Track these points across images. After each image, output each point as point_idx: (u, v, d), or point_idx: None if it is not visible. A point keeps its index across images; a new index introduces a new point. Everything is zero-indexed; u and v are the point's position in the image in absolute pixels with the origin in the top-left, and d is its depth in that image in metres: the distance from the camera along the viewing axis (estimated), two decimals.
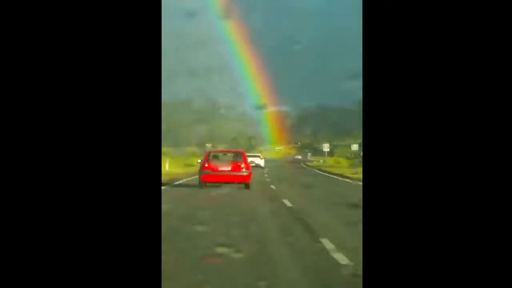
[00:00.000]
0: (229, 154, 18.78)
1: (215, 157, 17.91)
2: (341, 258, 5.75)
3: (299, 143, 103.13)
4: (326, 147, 58.25)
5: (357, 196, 13.26)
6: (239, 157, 17.37)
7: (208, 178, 16.54)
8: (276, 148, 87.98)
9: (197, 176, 17.76)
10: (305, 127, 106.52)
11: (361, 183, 19.22)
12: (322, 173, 37.36)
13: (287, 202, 12.41)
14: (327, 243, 6.64)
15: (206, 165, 16.70)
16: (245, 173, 16.54)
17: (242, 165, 16.71)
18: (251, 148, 55.01)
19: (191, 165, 37.62)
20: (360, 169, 33.44)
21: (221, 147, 58.01)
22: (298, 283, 4.95)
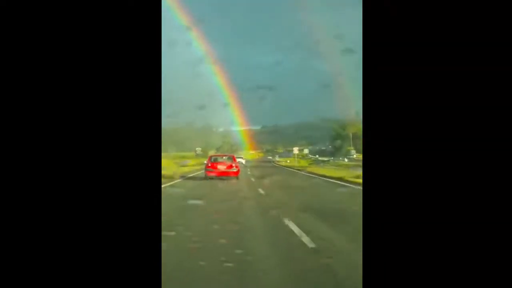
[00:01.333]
0: (224, 157, 21.30)
1: (215, 159, 20.44)
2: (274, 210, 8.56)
3: (264, 149, 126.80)
4: (295, 150, 57.29)
5: (307, 182, 19.69)
6: (231, 159, 20.47)
7: (210, 173, 18.86)
8: (249, 152, 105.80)
9: (202, 171, 22.06)
10: (266, 139, 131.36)
11: (313, 175, 24.76)
12: (289, 168, 39.42)
13: (261, 191, 14.08)
14: (277, 211, 8.55)
15: (209, 165, 19.38)
16: (235, 170, 19.07)
17: (233, 165, 19.37)
18: (233, 152, 61.84)
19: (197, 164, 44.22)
20: (312, 166, 40.63)
21: (212, 151, 66.05)
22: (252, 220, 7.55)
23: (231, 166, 19.13)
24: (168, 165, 27.30)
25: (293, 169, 37.44)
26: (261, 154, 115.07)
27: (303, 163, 52.17)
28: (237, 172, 19.08)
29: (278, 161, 71.76)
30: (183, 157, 54.13)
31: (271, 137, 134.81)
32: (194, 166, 36.98)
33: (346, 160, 54.85)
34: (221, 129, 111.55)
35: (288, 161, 62.39)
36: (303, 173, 28.50)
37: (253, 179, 20.15)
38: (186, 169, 30.14)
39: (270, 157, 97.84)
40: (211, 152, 58.08)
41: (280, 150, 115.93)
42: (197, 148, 55.35)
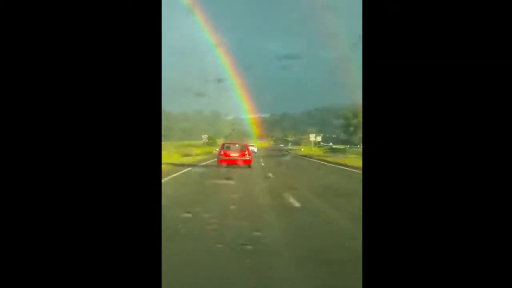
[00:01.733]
0: (237, 145, 21.14)
1: (228, 147, 20.32)
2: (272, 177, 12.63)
3: (274, 137, 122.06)
4: (312, 137, 52.63)
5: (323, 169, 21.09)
6: (243, 147, 20.41)
7: (223, 162, 19.21)
8: (259, 140, 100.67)
9: (205, 163, 21.91)
10: (275, 127, 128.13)
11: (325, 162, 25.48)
12: (309, 159, 33.84)
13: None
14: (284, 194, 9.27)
15: (222, 153, 19.62)
16: (248, 158, 19.33)
17: (246, 153, 19.53)
18: (242, 140, 57.47)
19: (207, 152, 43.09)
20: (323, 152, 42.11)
21: (220, 139, 62.82)
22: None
23: (244, 154, 19.29)
24: (168, 157, 24.52)
25: (314, 159, 32.21)
26: (271, 142, 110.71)
27: (318, 151, 49.22)
28: (249, 160, 19.21)
29: (291, 149, 67.40)
30: (189, 145, 51.07)
31: (280, 125, 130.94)
32: (198, 156, 33.53)
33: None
34: (229, 117, 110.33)
35: (303, 149, 57.92)
36: (333, 165, 22.44)
37: (270, 175, 15.18)
38: (189, 159, 26.96)
39: (282, 145, 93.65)
40: (220, 141, 55.40)
41: (291, 138, 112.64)
42: (203, 136, 50.63)
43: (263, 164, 22.96)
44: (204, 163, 22.47)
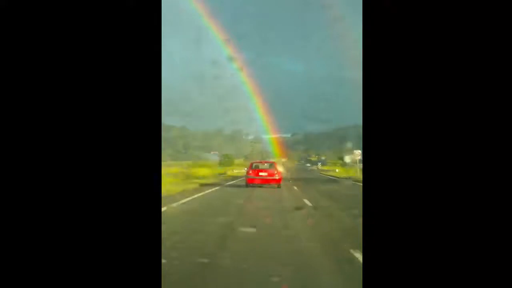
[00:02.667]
0: (266, 164, 21.00)
1: (257, 166, 20.29)
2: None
3: (296, 157, 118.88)
4: (358, 155, 37.84)
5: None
6: (272, 166, 20.14)
7: (251, 181, 19.03)
8: (281, 160, 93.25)
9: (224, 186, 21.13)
10: (297, 146, 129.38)
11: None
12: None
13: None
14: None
15: (250, 172, 19.43)
16: (277, 178, 18.99)
17: (275, 172, 19.23)
18: (263, 159, 50.66)
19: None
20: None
21: (240, 159, 63.30)
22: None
23: (273, 174, 18.94)
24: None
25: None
26: (294, 161, 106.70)
27: (352, 173, 36.92)
28: (279, 180, 18.86)
29: (322, 170, 56.66)
30: (201, 165, 40.28)
31: (302, 145, 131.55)
32: (201, 180, 24.09)
33: None
34: (250, 137, 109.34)
35: (338, 170, 46.86)
36: None
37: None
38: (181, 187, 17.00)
39: (309, 164, 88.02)
40: (239, 160, 51.95)
41: (314, 158, 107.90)
42: (212, 152, 35.70)
43: (310, 204, 11.43)
44: (196, 196, 13.72)
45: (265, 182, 18.77)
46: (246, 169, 22.00)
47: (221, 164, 48.66)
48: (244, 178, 21.91)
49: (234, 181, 24.75)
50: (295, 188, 18.80)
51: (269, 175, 18.92)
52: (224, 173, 34.75)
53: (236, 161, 56.33)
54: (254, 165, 20.37)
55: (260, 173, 19.11)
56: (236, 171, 41.65)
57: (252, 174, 19.11)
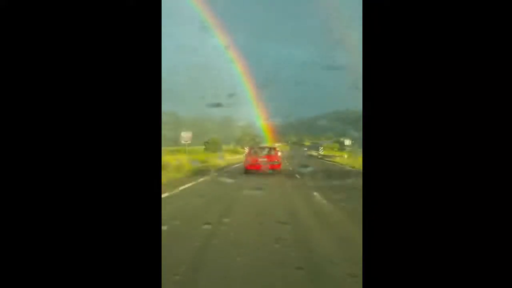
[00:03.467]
0: (266, 149, 19.99)
1: (255, 151, 19.45)
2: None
3: (289, 142, 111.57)
4: (347, 142, 42.76)
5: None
6: (272, 150, 19.34)
7: (251, 167, 18.23)
8: (274, 145, 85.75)
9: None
10: (289, 131, 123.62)
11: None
12: None
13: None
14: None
15: (249, 158, 18.73)
16: (276, 163, 18.35)
17: (275, 157, 18.57)
18: (256, 144, 48.62)
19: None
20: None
21: (229, 145, 60.94)
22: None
23: (273, 159, 18.35)
24: None
25: None
26: (286, 147, 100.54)
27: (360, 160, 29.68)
28: (278, 165, 18.30)
29: (325, 156, 46.24)
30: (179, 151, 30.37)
31: (294, 130, 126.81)
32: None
33: None
34: (241, 123, 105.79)
35: (346, 156, 40.69)
36: None
37: None
38: None
39: (305, 149, 74.15)
40: (228, 146, 49.43)
41: (307, 143, 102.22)
42: (183, 133, 25.62)
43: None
44: None
45: (265, 168, 18.03)
46: (245, 154, 20.73)
47: (206, 149, 45.19)
48: (234, 169, 21.22)
49: (215, 176, 17.13)
50: (324, 201, 8.89)
51: (270, 160, 18.31)
52: (205, 162, 26.24)
53: (225, 146, 53.73)
54: (253, 150, 19.61)
55: (259, 159, 18.36)
56: (221, 160, 30.91)
57: (250, 160, 18.44)
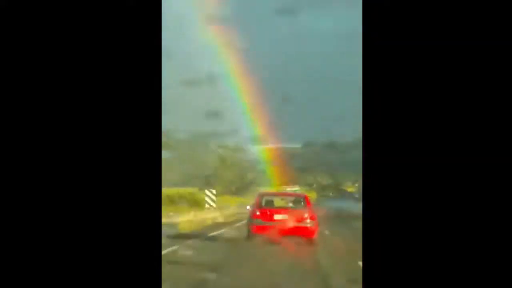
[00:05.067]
0: (288, 198, 13.11)
1: (268, 201, 11.26)
2: None
3: (314, 185, 70.28)
4: None
5: None
6: (300, 202, 11.34)
7: (260, 230, 10.19)
8: (291, 188, 47.06)
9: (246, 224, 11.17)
10: (314, 166, 73.25)
11: None
12: None
13: None
14: None
15: (257, 213, 10.40)
16: (309, 225, 10.08)
17: (306, 214, 10.21)
18: (243, 186, 40.17)
19: None
20: None
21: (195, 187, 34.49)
22: None
23: (301, 218, 10.18)
24: None
25: None
26: (310, 193, 39.50)
27: None
28: (313, 231, 10.12)
29: None
30: None
31: (323, 162, 70.23)
32: None
33: None
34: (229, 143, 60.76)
35: None
36: None
37: None
38: None
39: (356, 195, 47.82)
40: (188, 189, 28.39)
41: (351, 188, 65.00)
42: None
43: None
44: None
45: (286, 232, 10.03)
46: (249, 207, 12.15)
47: None
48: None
49: None
50: None
51: (295, 220, 10.19)
52: None
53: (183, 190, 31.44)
54: (264, 199, 11.28)
55: (276, 216, 10.37)
56: None
57: (260, 217, 10.30)
